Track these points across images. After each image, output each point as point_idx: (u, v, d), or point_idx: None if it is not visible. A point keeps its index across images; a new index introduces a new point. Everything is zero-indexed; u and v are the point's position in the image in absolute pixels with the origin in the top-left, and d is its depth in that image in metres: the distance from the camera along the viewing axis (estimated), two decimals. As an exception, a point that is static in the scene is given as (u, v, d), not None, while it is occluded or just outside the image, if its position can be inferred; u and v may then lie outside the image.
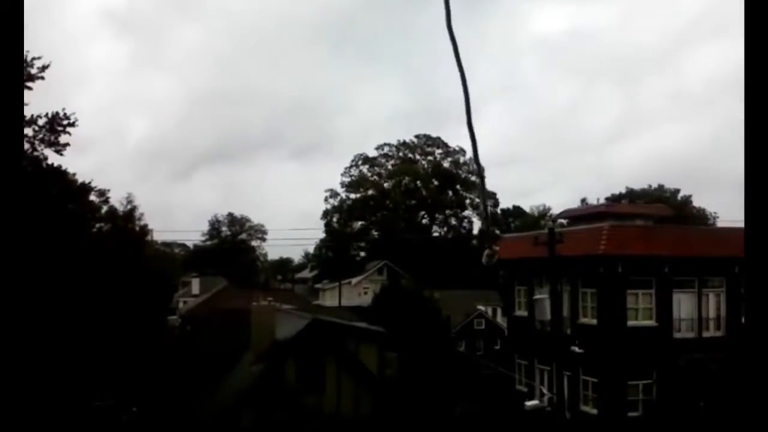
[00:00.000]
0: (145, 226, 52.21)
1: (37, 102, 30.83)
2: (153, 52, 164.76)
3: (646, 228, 33.79)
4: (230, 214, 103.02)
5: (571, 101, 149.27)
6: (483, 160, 6.06)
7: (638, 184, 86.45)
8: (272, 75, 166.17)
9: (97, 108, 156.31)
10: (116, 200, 50.36)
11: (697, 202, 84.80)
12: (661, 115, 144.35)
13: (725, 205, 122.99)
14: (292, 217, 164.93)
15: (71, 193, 42.22)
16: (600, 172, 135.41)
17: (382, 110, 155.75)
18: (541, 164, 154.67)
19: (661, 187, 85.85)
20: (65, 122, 38.92)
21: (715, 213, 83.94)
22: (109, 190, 46.96)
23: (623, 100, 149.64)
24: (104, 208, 48.42)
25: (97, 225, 48.50)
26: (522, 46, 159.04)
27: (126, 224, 49.16)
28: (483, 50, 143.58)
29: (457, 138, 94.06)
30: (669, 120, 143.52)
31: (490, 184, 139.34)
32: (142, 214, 51.94)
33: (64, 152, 39.36)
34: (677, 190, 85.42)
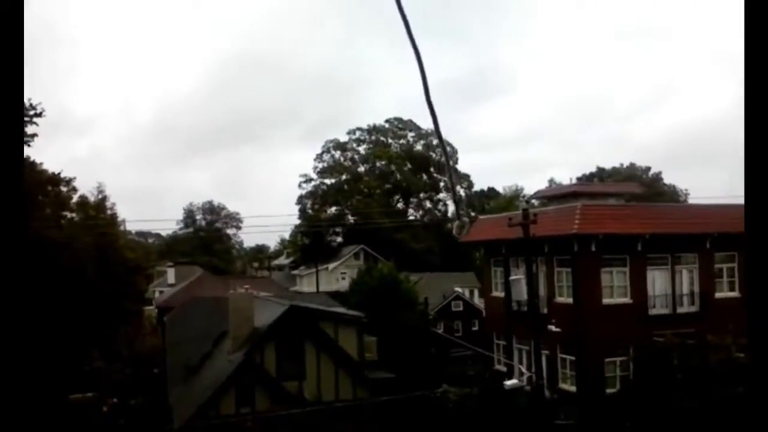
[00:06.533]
0: (116, 215, 51.50)
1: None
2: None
3: (619, 206, 34.13)
4: (209, 202, 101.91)
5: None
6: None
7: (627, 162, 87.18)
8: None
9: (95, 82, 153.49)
10: (87, 190, 49.67)
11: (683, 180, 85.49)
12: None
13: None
14: (283, 203, 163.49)
15: (40, 184, 41.43)
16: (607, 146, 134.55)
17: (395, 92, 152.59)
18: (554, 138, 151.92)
19: (632, 165, 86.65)
20: (31, 113, 38.14)
21: (686, 190, 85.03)
22: (75, 178, 46.38)
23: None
24: (74, 198, 47.78)
25: (69, 215, 47.86)
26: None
27: (97, 214, 48.50)
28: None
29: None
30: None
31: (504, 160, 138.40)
32: (114, 204, 51.20)
33: (31, 143, 38.68)
34: (648, 168, 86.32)
